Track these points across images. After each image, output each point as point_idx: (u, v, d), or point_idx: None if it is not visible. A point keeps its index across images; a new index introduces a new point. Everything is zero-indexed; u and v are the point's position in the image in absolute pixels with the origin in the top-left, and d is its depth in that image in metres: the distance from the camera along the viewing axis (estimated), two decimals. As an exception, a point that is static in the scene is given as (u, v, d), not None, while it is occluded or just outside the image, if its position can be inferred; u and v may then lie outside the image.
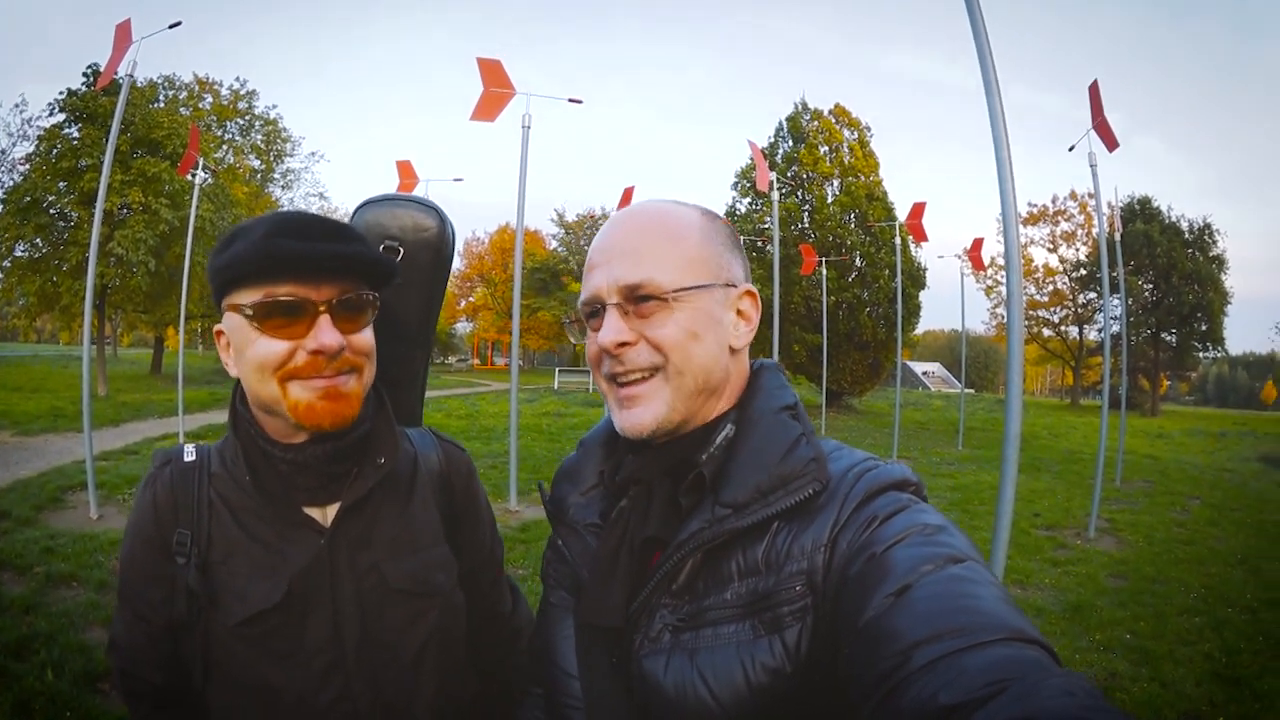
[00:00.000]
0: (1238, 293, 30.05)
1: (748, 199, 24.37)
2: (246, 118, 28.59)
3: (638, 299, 0.80)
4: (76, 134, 17.80)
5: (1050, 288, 33.13)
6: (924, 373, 51.89)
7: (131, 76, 6.22)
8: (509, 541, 5.93)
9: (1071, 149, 7.44)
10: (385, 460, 1.00)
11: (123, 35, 6.12)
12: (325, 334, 0.89)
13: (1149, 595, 5.27)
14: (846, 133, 23.66)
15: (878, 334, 22.01)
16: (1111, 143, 7.06)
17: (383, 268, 0.97)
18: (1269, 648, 4.29)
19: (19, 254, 18.29)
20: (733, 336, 0.84)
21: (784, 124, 24.25)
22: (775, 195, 8.89)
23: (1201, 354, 30.82)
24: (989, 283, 32.40)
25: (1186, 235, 28.69)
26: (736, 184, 24.93)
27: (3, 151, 19.55)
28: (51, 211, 17.96)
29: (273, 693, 0.94)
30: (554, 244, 40.23)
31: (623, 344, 0.80)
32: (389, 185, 9.72)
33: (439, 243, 1.20)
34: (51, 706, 3.00)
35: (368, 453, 1.00)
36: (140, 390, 18.85)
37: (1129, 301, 26.32)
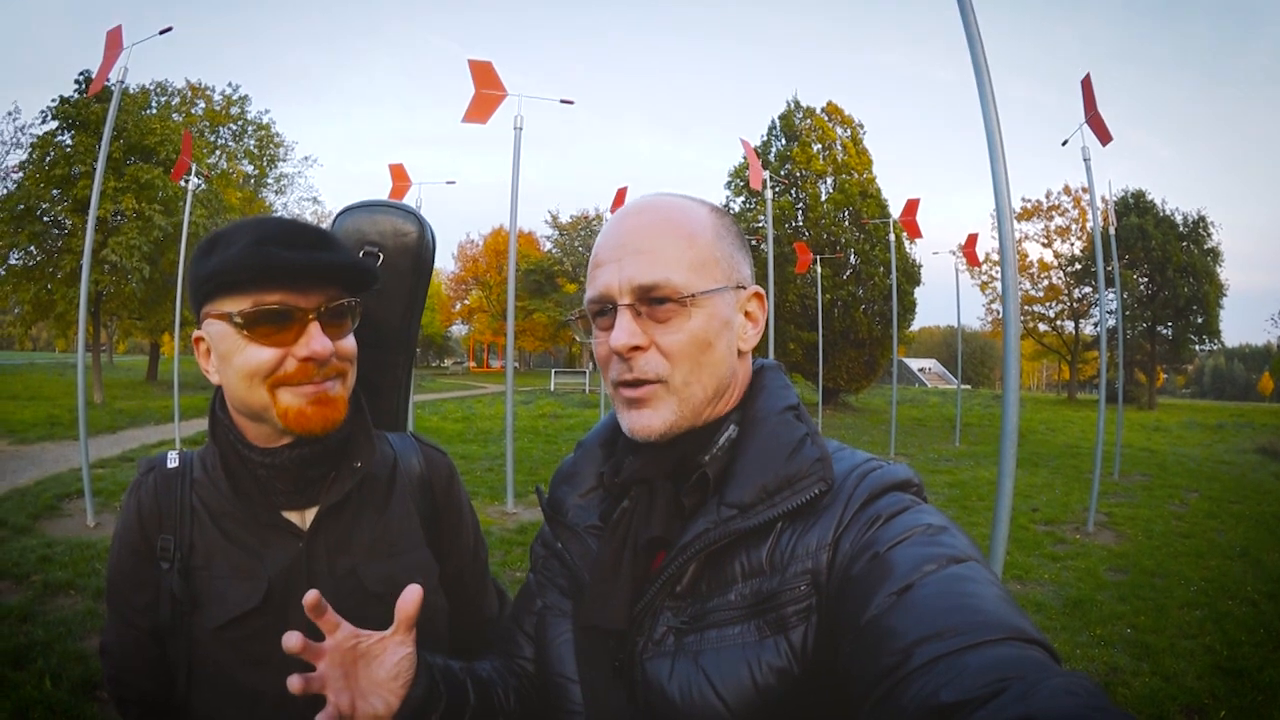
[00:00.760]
0: (1233, 285, 30.18)
1: (741, 198, 24.47)
2: (239, 123, 28.50)
3: (652, 301, 0.78)
4: (69, 141, 17.75)
5: (1045, 282, 33.14)
6: (920, 369, 52.11)
7: (123, 83, 6.20)
8: (506, 543, 5.93)
9: (1065, 143, 7.46)
10: (362, 464, 1.01)
11: (114, 42, 6.10)
12: (316, 342, 0.90)
13: (1149, 589, 5.28)
14: (839, 130, 23.78)
15: (873, 331, 22.10)
16: (1105, 137, 7.08)
17: (365, 274, 0.97)
18: (1270, 640, 4.29)
19: (13, 262, 18.27)
20: (741, 340, 0.84)
21: (777, 122, 24.39)
22: (769, 193, 8.93)
23: (1198, 347, 30.79)
24: (984, 278, 32.40)
25: (1181, 228, 28.70)
26: (730, 183, 25.05)
27: (-4, 159, 19.50)
28: (45, 219, 17.94)
29: (254, 696, 0.95)
30: (548, 245, 40.10)
31: (635, 348, 0.78)
32: (382, 189, 9.70)
33: (419, 248, 1.21)
34: (50, 715, 3.00)
35: (345, 456, 1.00)
36: (136, 397, 18.79)
37: (1124, 295, 26.36)
